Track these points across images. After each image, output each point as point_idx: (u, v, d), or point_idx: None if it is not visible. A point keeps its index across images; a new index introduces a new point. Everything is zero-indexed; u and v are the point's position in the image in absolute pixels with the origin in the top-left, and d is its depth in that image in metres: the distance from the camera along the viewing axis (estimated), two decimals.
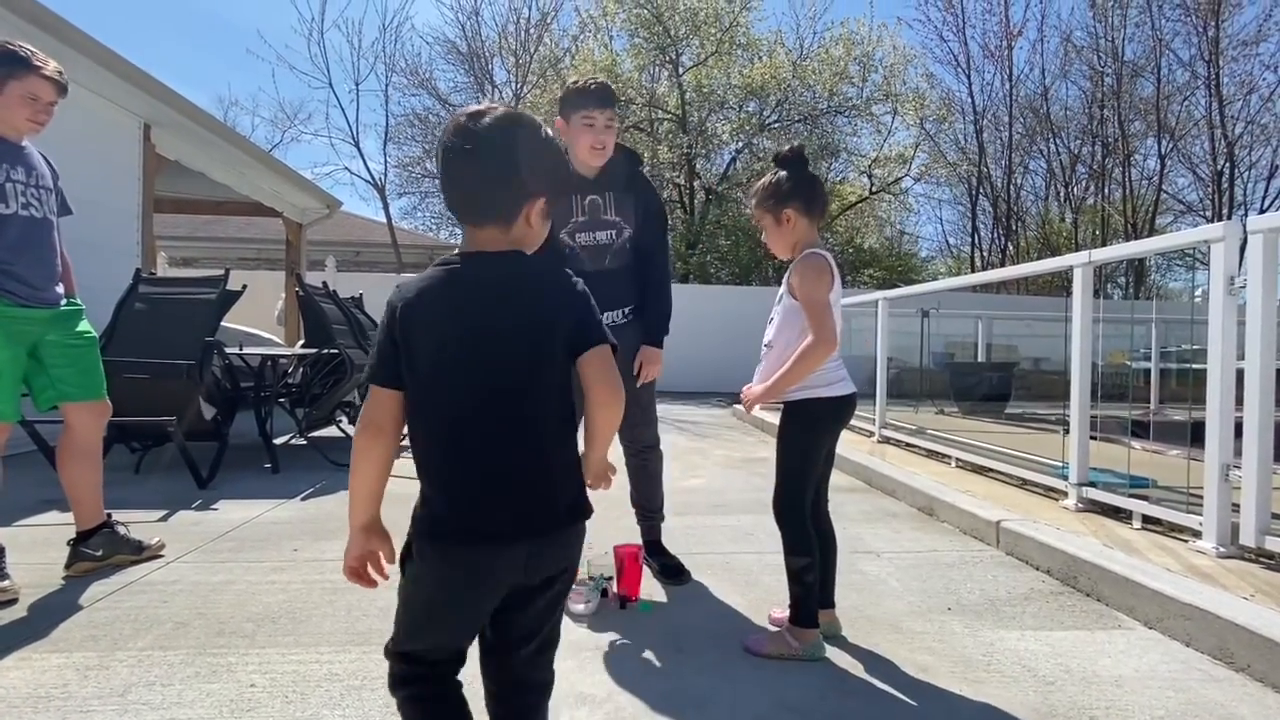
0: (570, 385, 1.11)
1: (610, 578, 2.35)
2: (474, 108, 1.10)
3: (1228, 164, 18.01)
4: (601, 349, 1.11)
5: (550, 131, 1.14)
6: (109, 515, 2.59)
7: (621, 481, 2.45)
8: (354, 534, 1.14)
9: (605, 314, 2.50)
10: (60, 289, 2.44)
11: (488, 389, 1.05)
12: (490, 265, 1.09)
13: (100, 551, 2.49)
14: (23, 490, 3.72)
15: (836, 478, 4.79)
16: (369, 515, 1.15)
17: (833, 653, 1.97)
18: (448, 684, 1.14)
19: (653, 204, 2.55)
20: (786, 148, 2.00)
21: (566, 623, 2.15)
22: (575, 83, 2.43)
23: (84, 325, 2.52)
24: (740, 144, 17.89)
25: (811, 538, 1.96)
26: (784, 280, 2.01)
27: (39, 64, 2.23)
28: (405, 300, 1.06)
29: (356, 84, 24.21)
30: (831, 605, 2.10)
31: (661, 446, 2.69)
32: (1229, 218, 17.77)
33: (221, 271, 4.56)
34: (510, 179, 1.07)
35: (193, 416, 4.12)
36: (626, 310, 2.53)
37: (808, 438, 1.99)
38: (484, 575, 1.06)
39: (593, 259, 2.47)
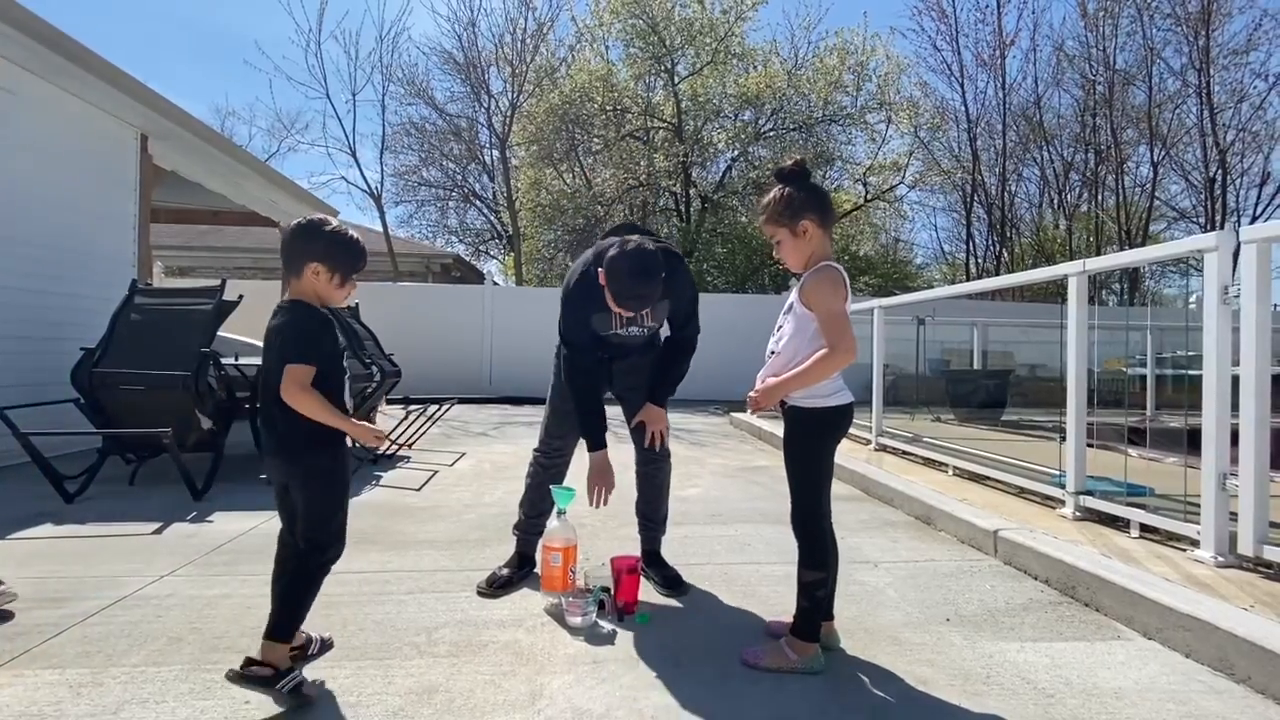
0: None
1: (607, 589, 2.34)
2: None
3: (1220, 171, 18.13)
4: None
5: None
6: None
7: (621, 494, 2.45)
8: None
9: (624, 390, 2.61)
10: None
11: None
12: None
13: None
14: (15, 503, 3.70)
15: (834, 486, 4.79)
16: None
17: (831, 665, 1.96)
18: None
19: (686, 307, 2.54)
20: (790, 162, 2.00)
21: (563, 635, 2.14)
22: (615, 272, 2.21)
23: None
24: (736, 152, 17.95)
25: (828, 553, 1.96)
26: (794, 290, 2.01)
27: None
28: None
29: (353, 94, 24.20)
30: (831, 617, 2.09)
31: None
32: (1222, 224, 17.91)
33: (218, 281, 4.56)
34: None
35: (189, 427, 4.10)
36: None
37: (816, 446, 1.99)
38: None
39: (620, 348, 2.56)
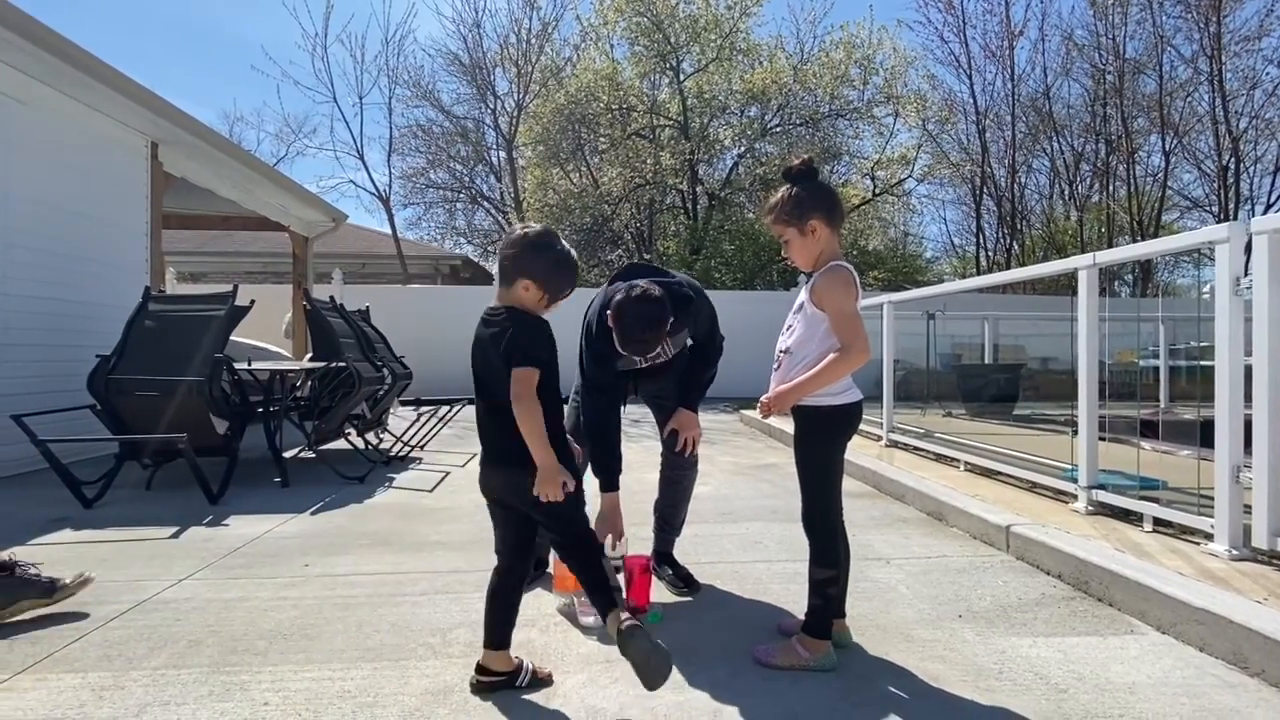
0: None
1: (619, 589, 2.35)
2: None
3: (1233, 159, 17.91)
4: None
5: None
6: (10, 555, 2.33)
7: (633, 492, 2.46)
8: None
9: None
10: None
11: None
12: None
13: None
14: (35, 509, 3.76)
15: (846, 483, 4.78)
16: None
17: (843, 662, 1.97)
18: None
19: (706, 328, 2.54)
20: (797, 161, 2.00)
21: (576, 635, 2.16)
22: (618, 328, 2.22)
23: None
24: (742, 149, 17.91)
25: (839, 551, 1.97)
26: (804, 289, 2.01)
27: None
28: None
29: (360, 97, 24.38)
30: (842, 614, 2.10)
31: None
32: (1235, 213, 17.70)
33: (229, 287, 4.60)
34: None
35: (203, 432, 4.15)
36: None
37: (827, 444, 1.99)
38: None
39: (647, 367, 2.54)
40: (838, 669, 1.92)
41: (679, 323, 2.34)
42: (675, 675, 1.90)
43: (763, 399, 1.98)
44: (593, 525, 2.28)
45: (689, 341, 2.58)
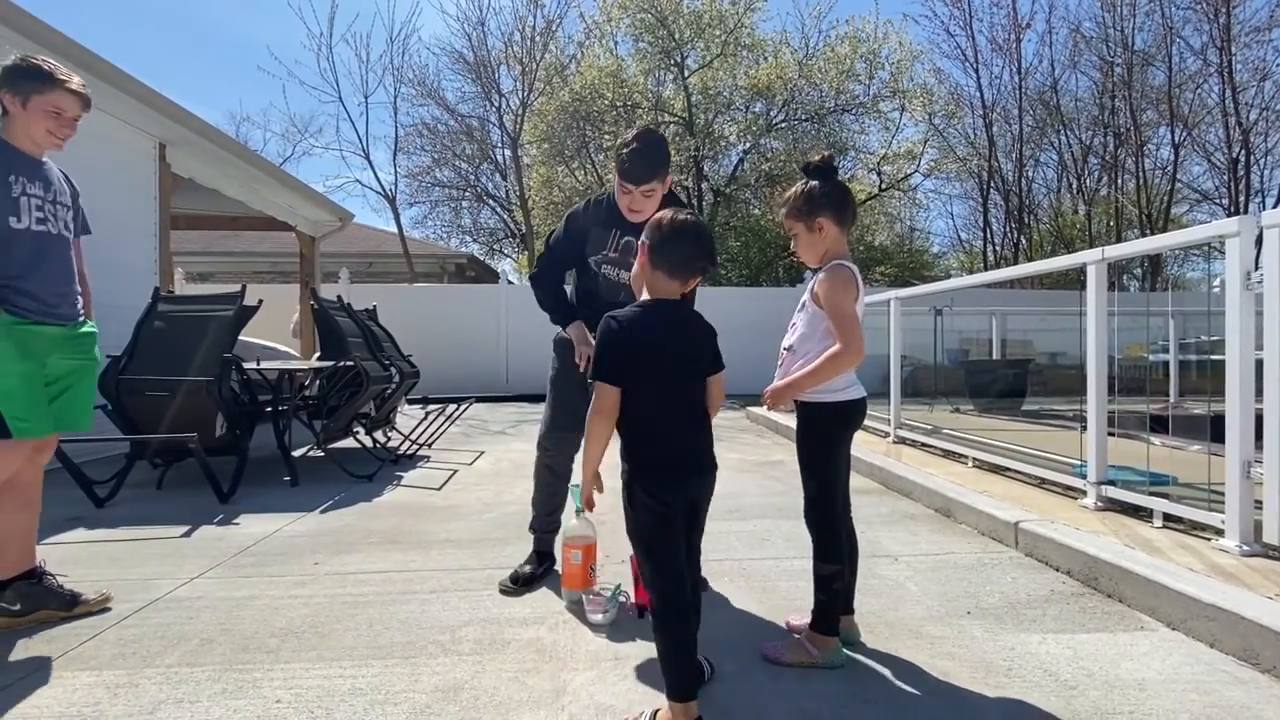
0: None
1: (629, 587, 2.36)
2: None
3: (1243, 151, 17.73)
4: None
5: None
6: (41, 563, 2.35)
7: None
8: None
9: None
10: (76, 307, 2.32)
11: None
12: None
13: (19, 605, 2.21)
14: (48, 508, 3.77)
15: (852, 480, 4.77)
16: None
17: (852, 659, 1.97)
18: None
19: None
20: (817, 157, 2.02)
21: (585, 633, 2.17)
22: (620, 151, 2.40)
23: (93, 350, 2.40)
24: (747, 145, 17.88)
25: (843, 546, 1.98)
26: (808, 287, 2.02)
27: (63, 78, 2.18)
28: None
29: (365, 97, 24.53)
30: (851, 611, 2.10)
31: None
32: (1246, 205, 17.53)
33: (238, 287, 4.63)
34: None
35: (214, 431, 4.18)
36: None
37: (828, 441, 2.01)
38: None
39: (609, 292, 2.56)
40: (846, 666, 1.93)
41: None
42: None
43: (765, 391, 2.02)
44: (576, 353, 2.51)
45: None
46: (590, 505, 1.78)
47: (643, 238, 1.74)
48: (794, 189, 2.03)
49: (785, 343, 2.07)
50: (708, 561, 2.76)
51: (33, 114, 2.15)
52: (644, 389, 1.62)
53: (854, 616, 2.11)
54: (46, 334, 2.20)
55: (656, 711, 1.61)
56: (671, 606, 1.59)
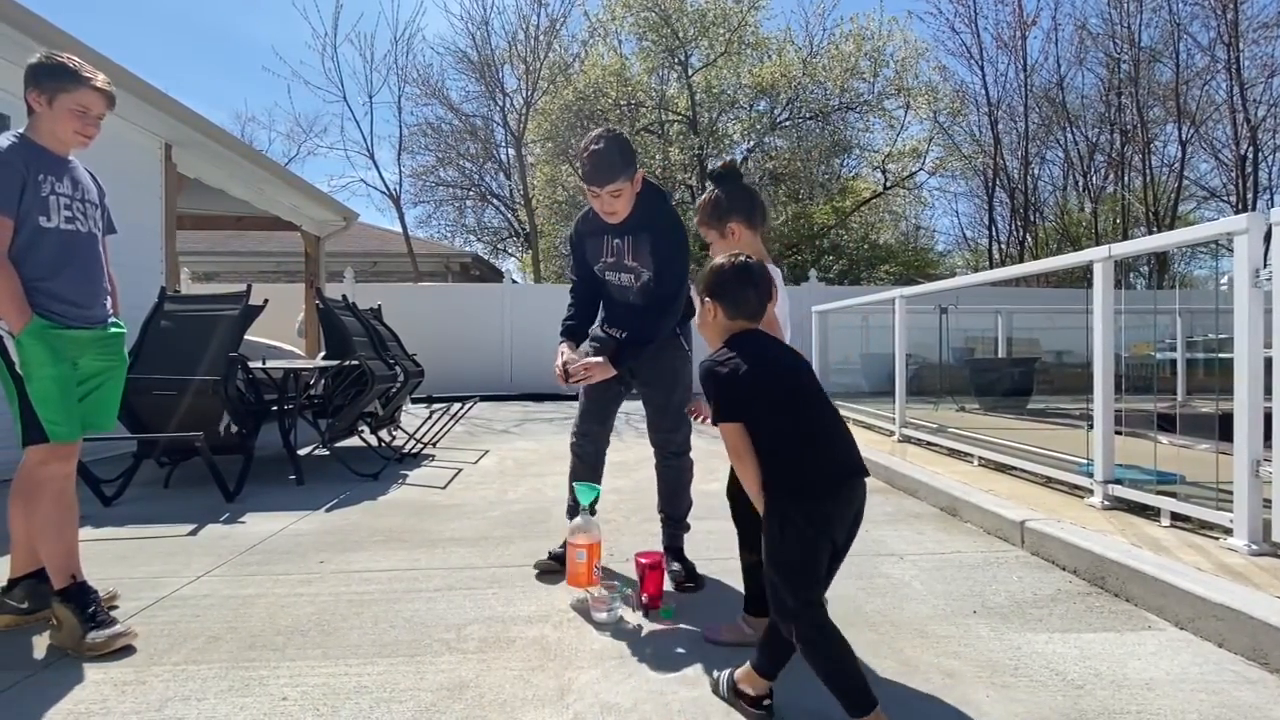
0: None
1: (633, 586, 2.36)
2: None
3: (1251, 148, 17.63)
4: None
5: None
6: None
7: (646, 489, 2.47)
8: None
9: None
10: (107, 307, 2.32)
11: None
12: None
13: (27, 603, 2.21)
14: None
15: None
16: None
17: (858, 658, 1.96)
18: None
19: (665, 244, 2.51)
20: (719, 163, 2.11)
21: (589, 631, 2.17)
22: (580, 156, 2.44)
23: (122, 351, 2.40)
24: (751, 143, 17.86)
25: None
26: None
27: (88, 75, 2.16)
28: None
29: (370, 96, 24.60)
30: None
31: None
32: (1254, 202, 17.43)
33: (243, 286, 4.64)
34: None
35: (220, 430, 4.20)
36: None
37: None
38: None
39: (619, 294, 2.63)
40: None
41: (645, 213, 2.46)
42: (688, 671, 1.91)
43: (689, 409, 2.07)
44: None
45: (648, 277, 2.55)
46: None
47: (703, 292, 1.72)
48: (703, 198, 2.10)
49: None
50: (712, 559, 2.77)
51: (59, 113, 2.14)
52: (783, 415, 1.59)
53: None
54: (79, 337, 2.19)
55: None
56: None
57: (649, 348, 2.52)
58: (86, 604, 2.09)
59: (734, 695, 1.71)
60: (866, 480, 1.62)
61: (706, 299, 1.72)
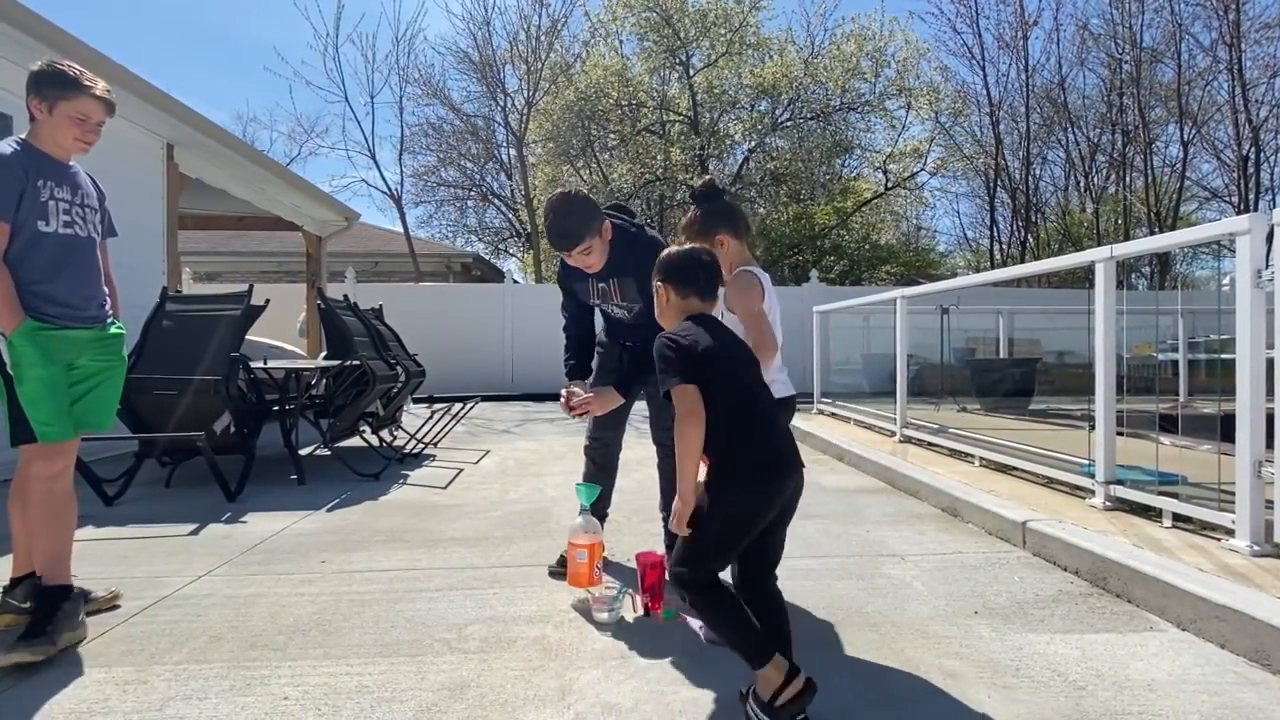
0: None
1: (634, 586, 2.36)
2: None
3: (1253, 149, 17.62)
4: None
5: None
6: None
7: (647, 489, 2.47)
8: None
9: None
10: (104, 309, 2.34)
11: None
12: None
13: (29, 603, 2.16)
14: None
15: (859, 479, 4.76)
16: None
17: (859, 658, 1.97)
18: None
19: (649, 286, 2.54)
20: (699, 183, 2.22)
21: (590, 631, 2.17)
22: (544, 220, 2.50)
23: (120, 351, 2.41)
24: (753, 143, 17.87)
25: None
26: (722, 299, 2.16)
27: (88, 84, 2.19)
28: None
29: (371, 96, 24.62)
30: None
31: None
32: (1256, 203, 17.41)
33: (245, 286, 4.65)
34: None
35: (221, 430, 4.20)
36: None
37: None
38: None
39: (616, 318, 2.70)
40: (853, 665, 1.92)
41: (626, 259, 2.49)
42: (689, 671, 1.90)
43: None
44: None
45: (640, 307, 2.58)
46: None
47: (656, 278, 1.84)
48: (689, 216, 2.23)
49: None
50: None
51: (59, 120, 2.16)
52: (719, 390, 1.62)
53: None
54: (74, 337, 2.20)
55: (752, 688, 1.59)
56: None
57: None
58: (38, 610, 2.07)
59: (765, 710, 1.55)
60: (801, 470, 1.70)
61: (659, 284, 1.82)
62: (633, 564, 2.44)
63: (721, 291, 2.13)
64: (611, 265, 2.52)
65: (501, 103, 19.43)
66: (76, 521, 2.32)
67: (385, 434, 5.78)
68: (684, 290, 1.77)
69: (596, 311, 2.77)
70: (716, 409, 1.60)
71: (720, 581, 1.63)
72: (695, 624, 2.13)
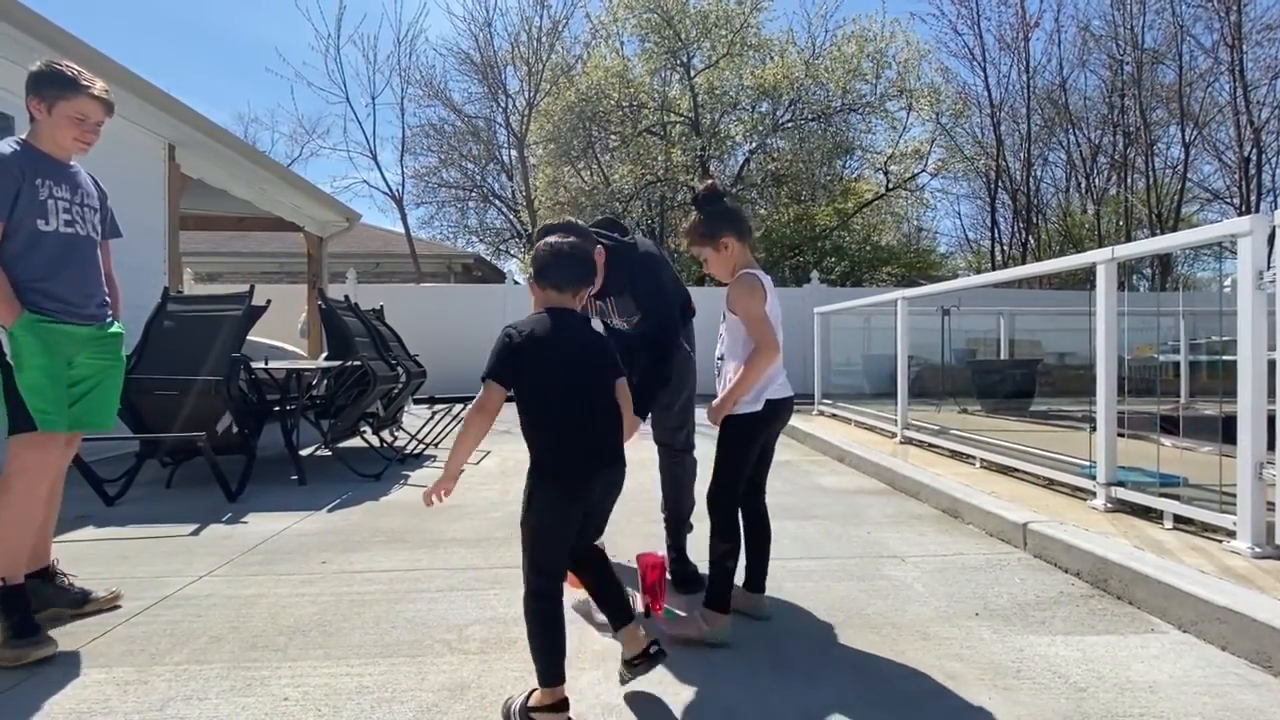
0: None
1: (634, 587, 2.36)
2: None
3: (1254, 150, 17.59)
4: None
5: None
6: (55, 561, 2.38)
7: (648, 489, 2.47)
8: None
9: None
10: (104, 307, 2.35)
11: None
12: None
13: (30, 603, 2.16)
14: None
15: (859, 480, 4.75)
16: None
17: (859, 659, 1.97)
18: None
19: (644, 295, 2.51)
20: (701, 187, 2.25)
21: (590, 632, 2.17)
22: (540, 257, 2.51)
23: (119, 351, 2.42)
24: (754, 144, 17.86)
25: (738, 526, 2.16)
26: (725, 300, 2.21)
27: (86, 84, 2.20)
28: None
29: (373, 98, 24.54)
30: (762, 590, 2.29)
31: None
32: (1258, 204, 17.40)
33: (246, 287, 4.65)
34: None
35: (223, 430, 4.21)
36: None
37: (738, 445, 2.16)
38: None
39: (619, 335, 2.68)
40: (854, 664, 1.92)
41: (615, 278, 2.48)
42: (689, 672, 1.90)
43: (708, 412, 2.19)
44: None
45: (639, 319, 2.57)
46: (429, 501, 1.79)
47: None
48: (692, 220, 2.26)
49: (717, 353, 2.27)
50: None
51: (59, 120, 2.17)
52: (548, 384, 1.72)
53: (764, 595, 2.30)
54: (73, 333, 2.21)
55: (531, 693, 1.67)
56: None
57: (666, 386, 2.56)
58: (11, 611, 2.03)
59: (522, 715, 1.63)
60: (621, 468, 1.78)
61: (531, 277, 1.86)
62: (633, 564, 2.43)
63: (726, 296, 2.19)
64: (606, 285, 2.51)
65: (502, 104, 19.47)
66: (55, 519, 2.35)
67: (386, 434, 5.78)
68: (543, 282, 1.80)
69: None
70: (528, 399, 1.72)
71: (555, 595, 1.71)
72: (662, 625, 2.16)
